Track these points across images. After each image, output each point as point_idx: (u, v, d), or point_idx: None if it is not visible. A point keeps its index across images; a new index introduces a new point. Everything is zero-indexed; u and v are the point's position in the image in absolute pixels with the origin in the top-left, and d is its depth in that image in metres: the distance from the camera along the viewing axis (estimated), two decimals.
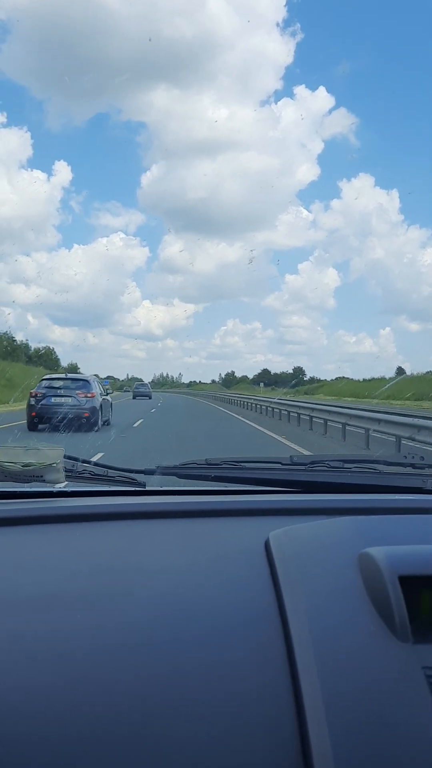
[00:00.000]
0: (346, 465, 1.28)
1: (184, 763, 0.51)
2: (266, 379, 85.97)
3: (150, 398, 39.65)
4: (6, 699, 0.56)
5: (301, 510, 1.00)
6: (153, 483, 1.18)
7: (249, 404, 27.21)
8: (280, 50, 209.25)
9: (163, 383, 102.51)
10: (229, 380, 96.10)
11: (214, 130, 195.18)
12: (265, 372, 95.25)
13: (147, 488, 1.15)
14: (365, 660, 0.59)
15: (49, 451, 1.06)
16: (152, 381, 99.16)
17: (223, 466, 1.25)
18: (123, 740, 0.52)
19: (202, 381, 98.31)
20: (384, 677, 0.57)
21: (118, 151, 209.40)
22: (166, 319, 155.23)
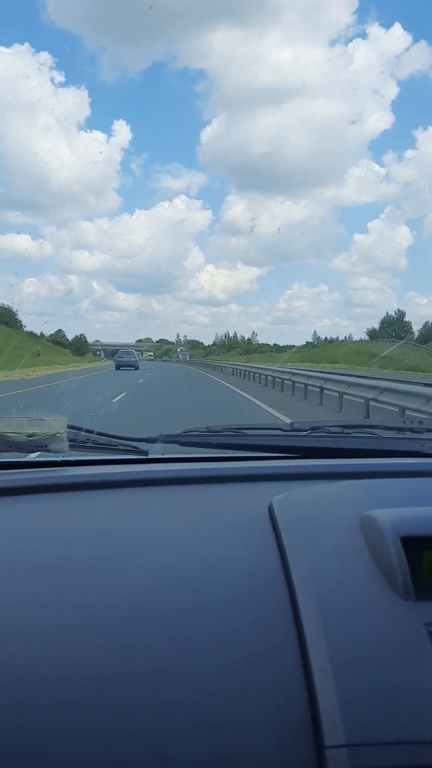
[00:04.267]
0: (346, 430, 1.29)
1: (193, 724, 0.53)
2: None
3: (137, 368, 31.88)
4: (13, 665, 0.57)
5: (302, 475, 1.02)
6: (155, 451, 1.19)
7: None
8: None
9: (232, 345, 72.22)
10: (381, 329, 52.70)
11: (279, 74, 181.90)
12: None
13: (150, 456, 1.16)
14: (369, 619, 0.61)
15: (52, 421, 1.07)
16: (213, 344, 79.86)
17: (225, 433, 1.26)
18: (131, 705, 0.54)
19: (287, 344, 59.20)
20: (388, 635, 0.59)
21: (177, 104, 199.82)
22: (230, 284, 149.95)
